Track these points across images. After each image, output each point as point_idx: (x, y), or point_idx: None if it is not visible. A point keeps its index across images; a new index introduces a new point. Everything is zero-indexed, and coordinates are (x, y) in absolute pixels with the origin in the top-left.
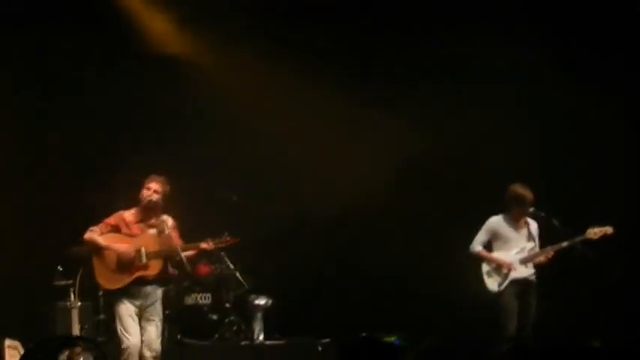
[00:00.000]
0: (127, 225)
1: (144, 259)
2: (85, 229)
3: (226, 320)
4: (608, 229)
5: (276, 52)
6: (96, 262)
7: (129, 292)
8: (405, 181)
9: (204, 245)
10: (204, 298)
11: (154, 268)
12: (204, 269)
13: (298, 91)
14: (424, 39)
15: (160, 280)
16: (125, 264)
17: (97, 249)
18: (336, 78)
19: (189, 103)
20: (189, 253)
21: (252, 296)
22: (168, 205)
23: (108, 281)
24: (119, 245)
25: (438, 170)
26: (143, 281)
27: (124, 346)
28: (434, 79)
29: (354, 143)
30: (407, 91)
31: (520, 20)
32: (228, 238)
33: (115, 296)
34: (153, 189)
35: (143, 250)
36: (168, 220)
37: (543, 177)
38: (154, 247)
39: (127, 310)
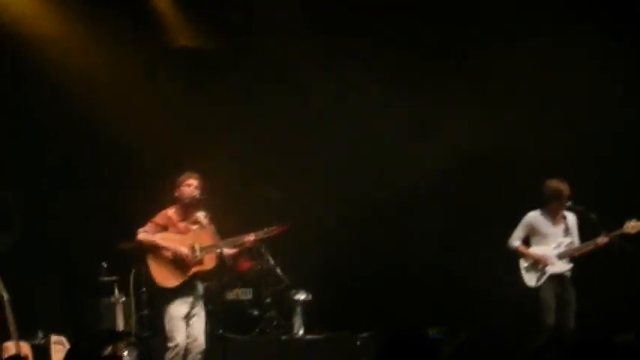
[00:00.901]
0: (174, 223)
1: (199, 255)
2: (130, 227)
3: (267, 315)
4: None
5: (338, 47)
6: (152, 261)
7: (185, 289)
8: (447, 179)
9: (247, 239)
10: (245, 294)
11: (209, 262)
12: (245, 265)
13: (350, 87)
14: (481, 40)
15: (212, 274)
16: (182, 262)
17: (154, 248)
18: (393, 73)
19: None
20: (233, 251)
21: (292, 291)
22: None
23: (166, 279)
24: (177, 246)
25: (485, 168)
26: (199, 277)
27: (172, 344)
28: (492, 80)
29: (396, 142)
30: (465, 90)
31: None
32: (276, 227)
33: (169, 295)
34: (194, 185)
35: (197, 246)
36: (203, 218)
37: (583, 172)
38: (205, 242)
39: (178, 311)
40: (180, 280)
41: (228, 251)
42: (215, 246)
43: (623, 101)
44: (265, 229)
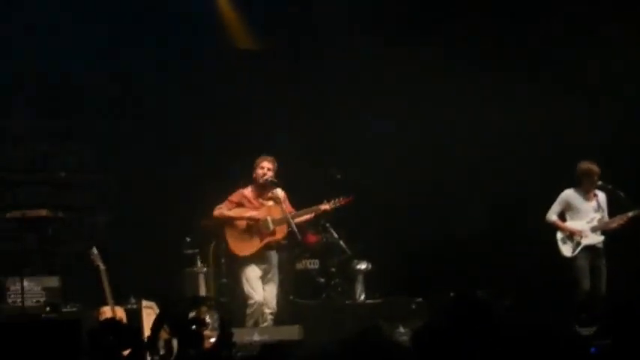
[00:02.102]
0: (249, 200)
1: (271, 227)
2: (209, 205)
3: (332, 283)
4: None
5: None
6: (228, 234)
7: (258, 257)
8: (493, 158)
9: (323, 207)
10: (312, 264)
11: (280, 233)
12: (312, 238)
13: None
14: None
15: (282, 245)
16: (255, 232)
17: (228, 222)
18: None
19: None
20: (310, 216)
21: (355, 261)
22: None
23: (241, 249)
24: (248, 212)
25: (534, 150)
26: (270, 246)
27: (252, 301)
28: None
29: (452, 123)
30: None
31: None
32: (342, 199)
33: (245, 262)
34: (267, 167)
35: (269, 218)
36: (280, 193)
37: (614, 155)
38: (276, 215)
39: (254, 273)
40: (255, 249)
41: (305, 217)
42: (286, 218)
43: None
44: (334, 200)
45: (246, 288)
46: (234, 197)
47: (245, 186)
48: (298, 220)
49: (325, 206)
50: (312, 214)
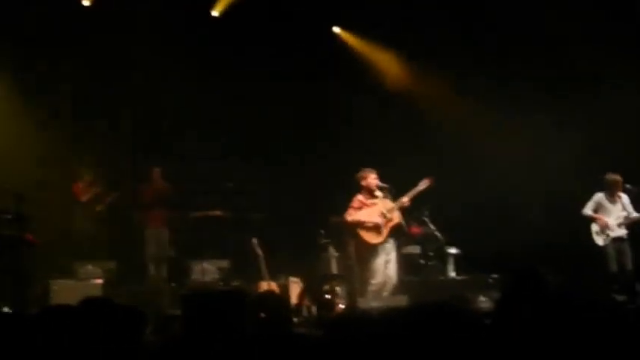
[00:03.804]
0: (364, 203)
1: (388, 215)
2: (335, 207)
3: (429, 263)
4: None
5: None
6: (361, 231)
7: (382, 245)
8: (550, 171)
9: (423, 185)
10: (415, 249)
11: (396, 217)
12: (415, 230)
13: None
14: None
15: (402, 226)
16: (379, 227)
17: (361, 224)
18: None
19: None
20: (412, 195)
21: (447, 247)
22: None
23: (374, 238)
24: (373, 219)
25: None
26: (393, 230)
27: (375, 281)
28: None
29: (515, 143)
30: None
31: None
32: (428, 179)
33: (374, 249)
34: (376, 177)
35: (384, 210)
36: (380, 193)
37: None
38: (388, 206)
39: (380, 260)
40: (383, 237)
41: (410, 196)
42: (396, 204)
43: None
44: (422, 182)
45: (373, 270)
46: (355, 204)
47: (356, 194)
48: (404, 200)
49: (420, 187)
50: (414, 193)
